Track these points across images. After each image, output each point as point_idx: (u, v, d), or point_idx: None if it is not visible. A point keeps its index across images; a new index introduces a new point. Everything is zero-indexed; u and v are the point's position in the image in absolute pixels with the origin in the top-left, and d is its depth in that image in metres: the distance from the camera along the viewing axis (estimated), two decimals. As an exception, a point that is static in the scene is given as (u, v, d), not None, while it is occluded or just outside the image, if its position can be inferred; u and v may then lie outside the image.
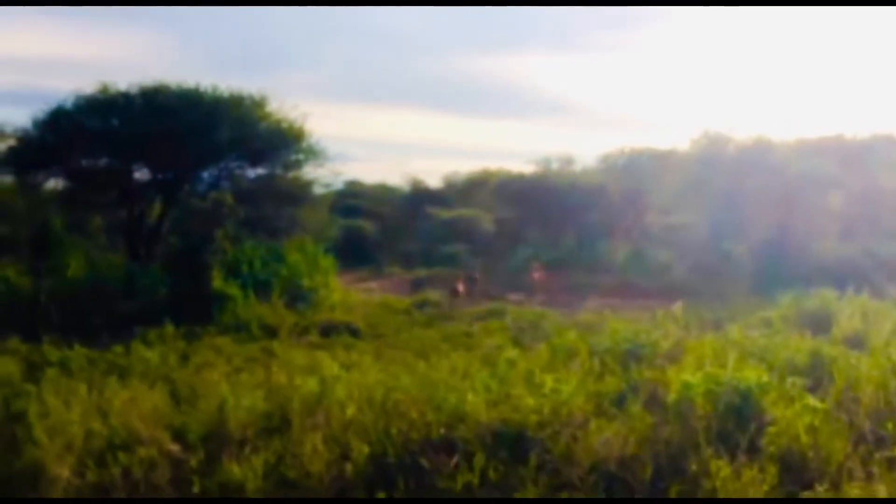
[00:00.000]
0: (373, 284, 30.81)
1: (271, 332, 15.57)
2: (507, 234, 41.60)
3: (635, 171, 40.92)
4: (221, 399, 7.32)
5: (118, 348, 12.18)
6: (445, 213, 44.17)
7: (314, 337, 15.55)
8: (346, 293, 22.75)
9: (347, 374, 8.09)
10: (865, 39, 73.68)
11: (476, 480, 5.31)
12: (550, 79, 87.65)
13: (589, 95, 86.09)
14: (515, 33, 74.22)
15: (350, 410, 6.84)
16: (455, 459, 5.47)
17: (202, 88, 23.73)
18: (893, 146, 35.62)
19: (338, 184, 37.25)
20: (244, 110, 23.59)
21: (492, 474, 5.37)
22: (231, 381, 8.81)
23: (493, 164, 55.66)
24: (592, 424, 6.03)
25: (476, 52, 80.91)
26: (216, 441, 6.53)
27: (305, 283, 20.35)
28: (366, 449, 5.71)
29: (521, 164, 64.25)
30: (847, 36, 77.57)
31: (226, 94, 23.60)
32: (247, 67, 71.96)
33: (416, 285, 28.08)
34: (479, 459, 5.40)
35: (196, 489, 5.75)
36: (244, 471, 5.75)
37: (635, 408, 6.21)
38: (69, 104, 23.37)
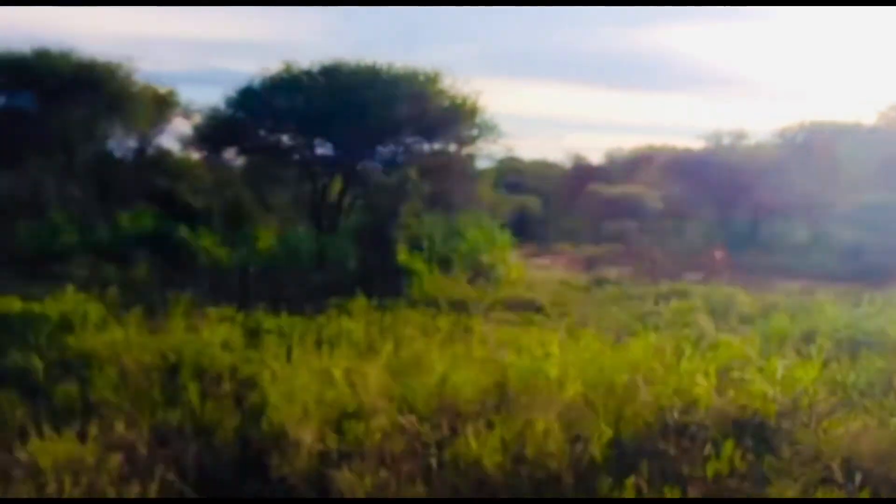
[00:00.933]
0: (544, 261, 30.74)
1: (459, 307, 15.76)
2: (674, 212, 40.50)
3: (816, 145, 38.77)
4: (442, 372, 7.48)
5: (320, 318, 12.62)
6: (609, 190, 43.50)
7: (501, 313, 15.66)
8: (522, 269, 22.79)
9: (557, 351, 8.01)
10: None
11: (726, 469, 5.17)
12: (717, 51, 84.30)
13: (760, 67, 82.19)
14: (678, 4, 71.68)
15: (572, 389, 6.82)
16: (706, 446, 5.34)
17: (378, 65, 24.32)
18: None
19: (493, 160, 37.60)
20: (419, 86, 23.98)
21: (739, 463, 5.22)
22: (440, 356, 8.99)
23: (657, 140, 54.37)
24: (838, 417, 5.76)
25: (634, 25, 78.80)
26: (444, 414, 6.67)
27: (484, 258, 20.52)
28: (608, 431, 5.66)
29: (688, 140, 62.35)
30: None
31: (401, 70, 24.05)
32: (396, 45, 73.06)
33: (591, 263, 27.79)
34: (728, 447, 5.25)
35: (433, 461, 5.89)
36: (480, 446, 5.84)
37: (890, 401, 5.86)
38: (256, 83, 24.51)
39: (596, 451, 5.62)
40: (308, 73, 24.50)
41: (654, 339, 10.49)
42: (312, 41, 74.26)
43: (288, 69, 24.56)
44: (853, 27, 77.27)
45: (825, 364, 7.35)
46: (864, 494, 4.81)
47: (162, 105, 29.94)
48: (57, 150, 27.76)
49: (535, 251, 33.39)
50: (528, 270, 23.97)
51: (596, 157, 51.12)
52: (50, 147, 27.46)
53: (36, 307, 9.82)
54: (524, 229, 36.36)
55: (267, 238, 22.51)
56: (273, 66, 24.61)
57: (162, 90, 30.10)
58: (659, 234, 36.75)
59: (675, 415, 5.98)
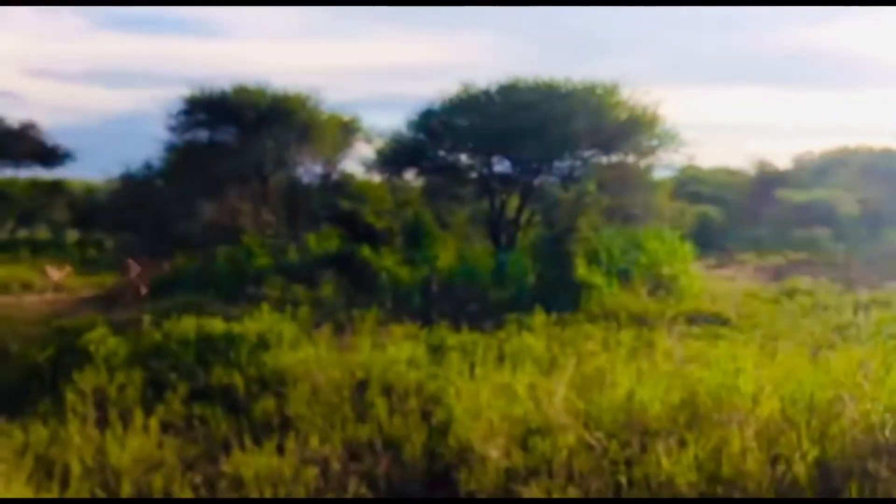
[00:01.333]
0: (728, 272, 29.54)
1: (639, 321, 15.40)
2: (872, 217, 37.85)
3: None
4: (629, 388, 7.30)
5: (500, 334, 12.67)
6: (798, 196, 41.23)
7: (683, 326, 15.14)
8: (704, 281, 21.99)
9: (750, 366, 7.63)
10: None
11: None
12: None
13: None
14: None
15: (768, 406, 6.48)
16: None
17: (555, 81, 24.32)
18: None
19: (673, 170, 36.52)
20: (596, 99, 23.77)
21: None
22: (624, 370, 8.79)
23: (851, 141, 51.14)
24: None
25: (816, 22, 74.50)
26: (632, 431, 6.50)
27: (665, 271, 19.95)
28: (813, 450, 5.32)
29: (886, 139, 58.21)
30: None
31: (579, 85, 23.93)
32: (569, 59, 72.67)
33: (780, 272, 26.42)
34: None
35: (623, 479, 5.75)
36: (672, 464, 5.64)
37: None
38: (436, 106, 25.12)
39: (800, 471, 5.30)
40: (486, 93, 24.86)
41: (857, 353, 9.83)
42: (485, 61, 75.43)
43: (466, 90, 25.04)
44: None
45: None
46: None
47: (346, 131, 31.29)
48: (252, 179, 29.62)
49: (718, 262, 32.13)
50: (711, 282, 23.09)
51: (782, 163, 48.51)
52: (247, 176, 29.35)
53: (236, 327, 10.42)
54: (706, 240, 35.00)
55: (447, 256, 22.93)
56: (451, 89, 25.20)
57: (345, 118, 31.49)
58: (855, 240, 34.47)
59: (887, 433, 5.54)
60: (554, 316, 14.86)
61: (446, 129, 24.82)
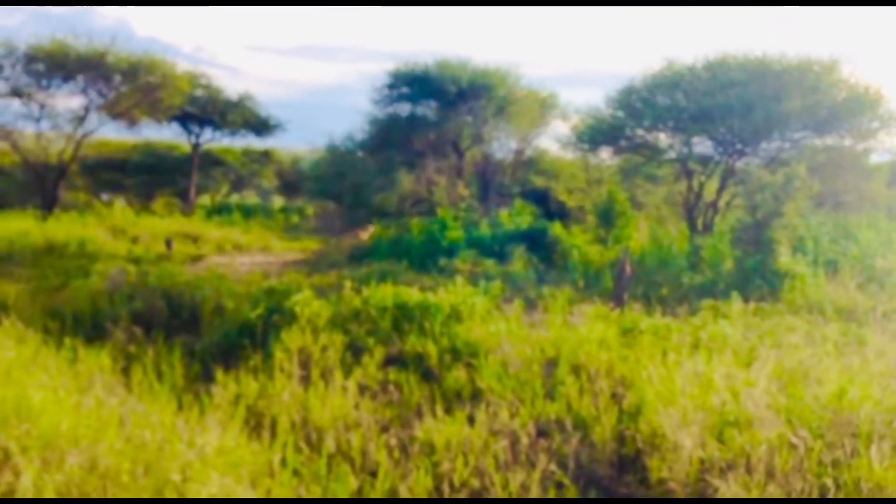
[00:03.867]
0: (951, 268, 27.06)
1: (847, 316, 14.42)
2: None
3: None
4: (839, 386, 6.87)
5: (694, 320, 12.25)
6: None
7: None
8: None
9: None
10: None
11: None
12: None
13: None
14: None
15: None
16: None
17: (768, 57, 23.02)
18: None
19: (892, 153, 33.60)
20: (813, 77, 22.29)
21: None
22: (831, 367, 8.28)
23: None
24: None
25: None
26: (840, 432, 6.13)
27: (879, 263, 18.51)
28: None
29: None
30: None
31: (794, 61, 22.54)
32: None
33: None
34: None
35: (827, 481, 5.43)
36: (884, 469, 5.27)
37: None
38: (637, 82, 24.48)
39: None
40: (691, 69, 23.91)
41: None
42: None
43: (669, 66, 24.21)
44: None
45: None
46: None
47: (542, 108, 31.25)
48: (450, 153, 30.22)
49: (941, 257, 29.47)
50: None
51: None
52: (444, 150, 29.98)
53: (430, 298, 10.67)
54: (930, 229, 32.24)
55: (640, 237, 22.43)
56: (655, 65, 24.48)
57: (543, 94, 31.40)
58: None
59: None
60: (752, 305, 14.17)
61: (646, 107, 24.10)
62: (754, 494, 5.33)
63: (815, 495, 5.31)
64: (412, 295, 10.71)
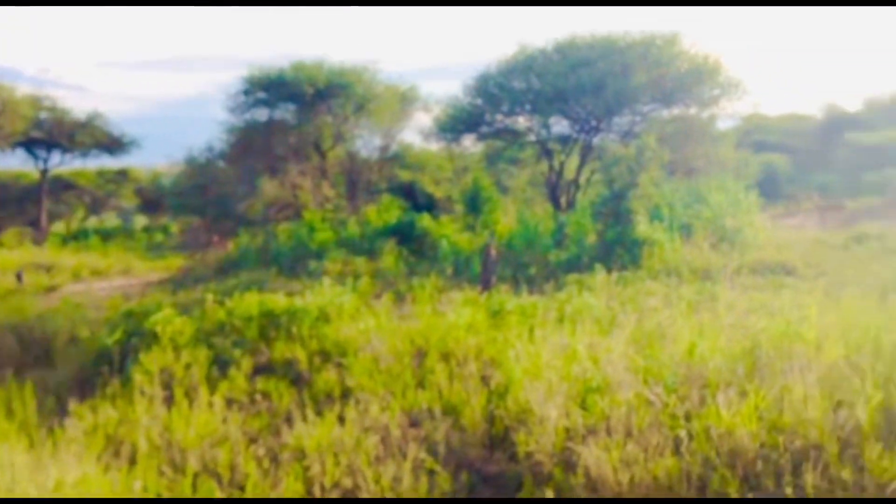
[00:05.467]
0: (795, 220, 28.79)
1: (702, 275, 15.12)
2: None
3: None
4: (690, 342, 7.18)
5: (560, 295, 12.56)
6: (869, 138, 39.91)
7: (748, 278, 14.81)
8: (770, 231, 21.42)
9: (814, 313, 7.42)
10: None
11: None
12: None
13: None
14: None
15: (832, 353, 6.31)
16: None
17: (613, 35, 23.80)
18: None
19: (738, 119, 35.48)
20: (656, 51, 23.19)
21: None
22: (685, 325, 8.65)
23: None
24: None
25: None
26: (692, 385, 6.40)
27: (729, 223, 19.48)
28: (877, 395, 5.15)
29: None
30: None
31: (638, 37, 23.38)
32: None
33: (850, 218, 25.62)
34: None
35: (681, 432, 5.65)
36: (731, 415, 5.53)
37: None
38: (492, 69, 24.86)
39: (862, 416, 5.14)
40: (542, 53, 24.45)
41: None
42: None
43: (522, 51, 24.68)
44: None
45: None
46: None
47: (403, 102, 31.30)
48: (312, 155, 29.89)
49: (786, 211, 31.35)
50: (778, 232, 22.50)
51: (853, 106, 46.99)
52: (306, 152, 29.64)
53: (297, 302, 10.53)
54: (772, 189, 34.14)
55: (506, 221, 22.84)
56: (509, 51, 24.92)
57: (402, 88, 31.45)
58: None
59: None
60: (615, 275, 14.66)
61: (503, 92, 24.56)
62: (614, 455, 5.50)
63: (669, 447, 5.52)
64: (278, 301, 10.56)
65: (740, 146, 31.46)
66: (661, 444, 5.58)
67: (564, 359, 7.42)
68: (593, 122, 24.61)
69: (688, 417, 5.83)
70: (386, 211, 23.47)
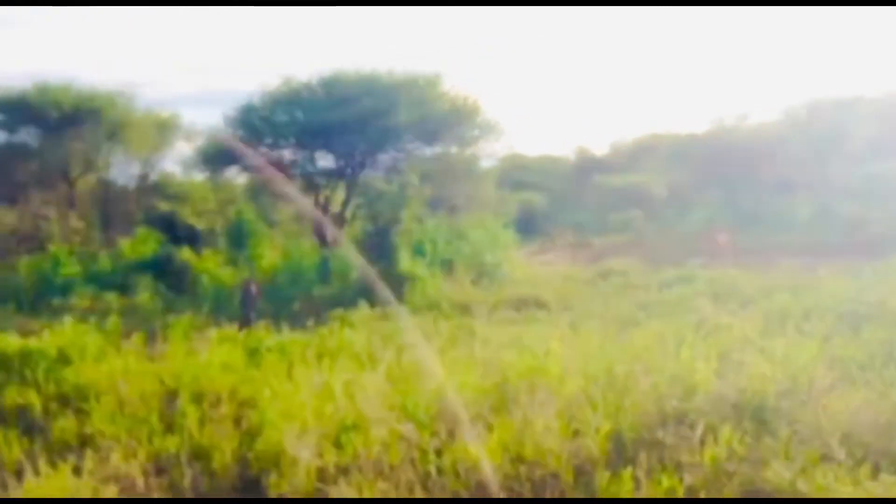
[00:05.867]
0: (549, 257, 30.59)
1: (462, 310, 15.68)
2: (679, 198, 40.27)
3: (819, 121, 38.40)
4: (440, 378, 7.37)
5: (322, 331, 12.53)
6: (614, 181, 43.32)
7: (505, 312, 15.54)
8: (526, 267, 22.66)
9: (558, 347, 7.91)
10: None
11: (723, 454, 5.05)
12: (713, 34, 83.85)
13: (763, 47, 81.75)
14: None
15: (572, 384, 6.72)
16: (699, 432, 5.22)
17: (377, 73, 24.26)
18: None
19: (497, 159, 37.40)
20: (418, 91, 23.89)
21: (738, 447, 5.09)
22: (441, 360, 8.88)
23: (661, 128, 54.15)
24: (838, 392, 5.64)
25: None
26: (444, 420, 6.56)
27: (488, 259, 20.39)
28: (606, 424, 5.53)
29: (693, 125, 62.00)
30: None
31: (401, 77, 23.98)
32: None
33: (598, 255, 27.62)
34: (726, 432, 5.13)
35: (431, 468, 5.78)
36: (478, 449, 5.72)
37: (890, 372, 5.72)
38: (256, 100, 24.50)
39: (594, 445, 5.51)
40: (307, 86, 24.42)
41: (657, 328, 10.41)
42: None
43: (287, 83, 24.52)
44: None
45: (826, 340, 7.22)
46: (865, 469, 4.67)
47: (164, 129, 30.04)
48: (58, 183, 27.90)
49: (541, 247, 33.26)
50: (533, 267, 23.83)
51: (601, 150, 50.98)
52: (51, 180, 27.61)
53: (33, 343, 9.74)
54: (529, 226, 36.15)
55: (271, 255, 22.49)
56: (273, 83, 24.66)
57: (164, 114, 30.21)
58: (663, 221, 36.56)
59: (674, 402, 5.87)
60: (378, 310, 14.85)
61: (267, 125, 24.26)
62: (366, 494, 5.51)
63: (419, 484, 5.63)
64: (11, 342, 9.71)
65: (500, 185, 33.07)
66: (411, 481, 5.67)
67: (320, 397, 7.37)
68: (358, 158, 24.89)
69: (439, 453, 5.95)
70: (142, 243, 22.35)
